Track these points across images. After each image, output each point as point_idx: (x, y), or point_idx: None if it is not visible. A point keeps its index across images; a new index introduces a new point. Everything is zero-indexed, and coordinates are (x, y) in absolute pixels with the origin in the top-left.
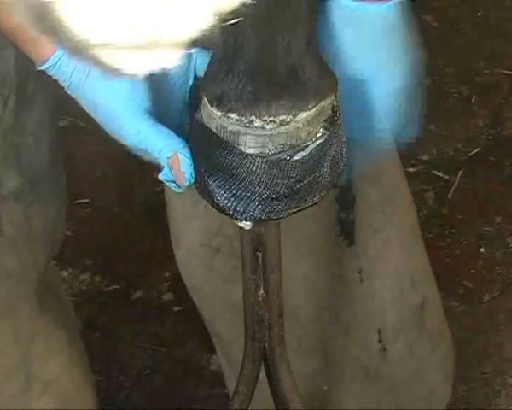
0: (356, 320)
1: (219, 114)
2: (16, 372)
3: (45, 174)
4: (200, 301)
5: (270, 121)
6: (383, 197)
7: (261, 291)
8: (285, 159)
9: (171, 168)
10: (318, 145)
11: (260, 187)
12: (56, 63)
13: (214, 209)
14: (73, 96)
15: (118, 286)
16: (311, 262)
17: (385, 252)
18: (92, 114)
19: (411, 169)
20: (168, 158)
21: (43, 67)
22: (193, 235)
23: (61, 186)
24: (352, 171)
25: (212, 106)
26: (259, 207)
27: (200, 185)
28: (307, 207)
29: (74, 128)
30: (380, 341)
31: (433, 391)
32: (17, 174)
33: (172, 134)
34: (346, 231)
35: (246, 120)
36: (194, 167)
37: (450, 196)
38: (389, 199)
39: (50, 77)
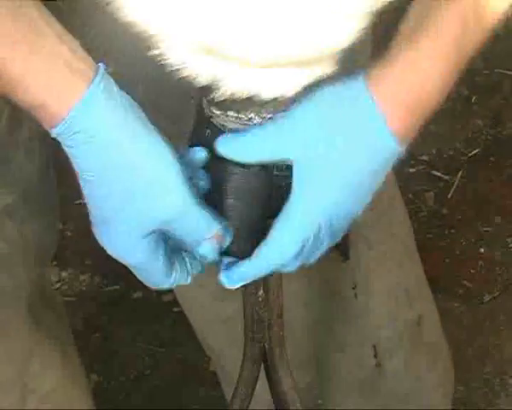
0: (351, 336)
1: (218, 112)
2: (12, 387)
3: (37, 189)
4: (191, 316)
5: (269, 118)
6: (377, 214)
7: (261, 291)
8: None
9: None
10: None
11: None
12: (69, 127)
13: None
14: (81, 168)
15: (118, 286)
16: (305, 278)
17: (380, 267)
18: (97, 192)
19: (411, 169)
20: (206, 240)
21: (54, 133)
22: None
23: (53, 200)
24: None
25: (210, 105)
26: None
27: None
28: None
29: None
30: (375, 356)
31: (430, 408)
32: (9, 190)
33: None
34: (341, 247)
35: (245, 118)
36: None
37: (450, 196)
38: (383, 214)
39: None
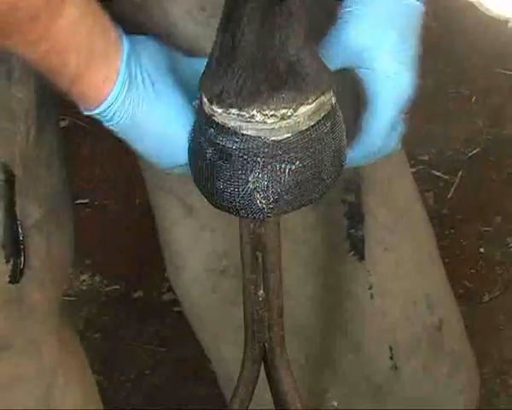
0: (366, 336)
1: (220, 111)
2: (39, 406)
3: (59, 203)
4: (202, 327)
5: (272, 115)
6: (394, 217)
7: (261, 291)
8: (282, 140)
9: None
10: (316, 134)
11: (264, 175)
12: (108, 108)
13: (220, 232)
14: (123, 137)
15: (118, 286)
16: (320, 278)
17: (397, 270)
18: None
19: (411, 169)
20: None
21: (92, 112)
22: (198, 260)
23: (71, 214)
24: (360, 188)
25: (211, 104)
26: (264, 201)
27: (205, 189)
28: (309, 204)
29: (74, 128)
30: (391, 358)
31: None
32: (37, 205)
33: None
34: (356, 247)
35: (247, 115)
36: (201, 173)
37: (450, 196)
38: (401, 219)
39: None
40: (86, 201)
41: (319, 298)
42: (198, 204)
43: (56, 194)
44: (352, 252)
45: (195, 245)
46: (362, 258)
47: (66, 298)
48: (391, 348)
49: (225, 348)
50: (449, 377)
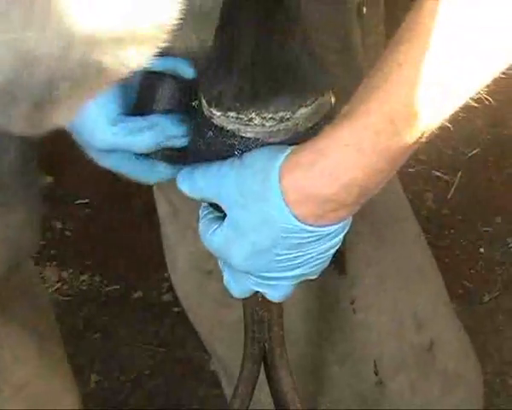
0: (350, 350)
1: (218, 113)
2: None
3: (10, 183)
4: (196, 322)
5: (270, 118)
6: (379, 230)
7: None
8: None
9: None
10: (315, 136)
11: None
12: None
13: None
14: None
15: (118, 286)
16: (303, 290)
17: (380, 286)
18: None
19: (411, 169)
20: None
21: None
22: (185, 258)
23: (32, 194)
24: None
25: (210, 106)
26: None
27: None
28: None
29: None
30: (376, 374)
31: None
32: None
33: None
34: (336, 260)
35: (245, 118)
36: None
37: (450, 196)
38: (386, 229)
39: None
40: (86, 201)
41: (304, 308)
42: (180, 204)
43: (8, 174)
44: (332, 266)
45: (181, 243)
46: (342, 272)
47: (66, 298)
48: (375, 364)
49: (217, 345)
50: (442, 396)
